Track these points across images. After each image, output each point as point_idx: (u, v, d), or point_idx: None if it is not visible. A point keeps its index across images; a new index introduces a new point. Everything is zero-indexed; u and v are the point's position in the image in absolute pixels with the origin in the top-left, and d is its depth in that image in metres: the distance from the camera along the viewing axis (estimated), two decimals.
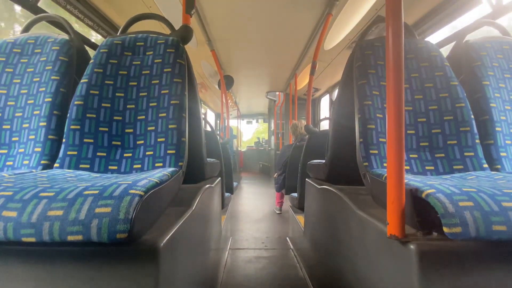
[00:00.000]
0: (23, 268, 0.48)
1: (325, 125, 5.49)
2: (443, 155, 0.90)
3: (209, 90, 5.02)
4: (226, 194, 2.04)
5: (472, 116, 0.92)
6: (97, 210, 0.46)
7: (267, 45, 2.94)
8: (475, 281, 0.50)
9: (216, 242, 1.32)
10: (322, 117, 5.27)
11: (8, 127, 0.94)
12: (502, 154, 0.93)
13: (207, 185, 1.10)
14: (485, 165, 0.86)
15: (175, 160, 0.84)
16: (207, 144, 1.61)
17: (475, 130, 0.90)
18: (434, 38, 1.94)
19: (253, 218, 2.84)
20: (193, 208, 0.81)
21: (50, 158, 0.90)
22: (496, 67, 1.03)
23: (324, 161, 1.30)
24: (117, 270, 0.48)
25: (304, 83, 4.23)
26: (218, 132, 4.63)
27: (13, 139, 0.93)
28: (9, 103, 0.96)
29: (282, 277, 1.45)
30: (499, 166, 0.91)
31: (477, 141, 0.89)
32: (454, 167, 0.88)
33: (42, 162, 0.89)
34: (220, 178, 1.51)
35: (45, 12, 1.38)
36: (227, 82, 3.95)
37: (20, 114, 0.95)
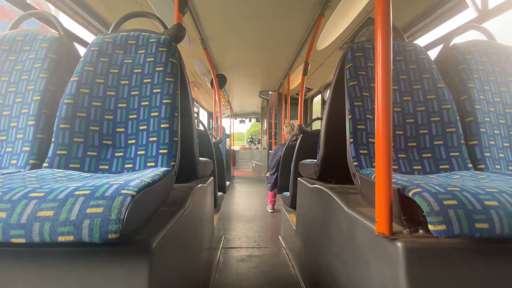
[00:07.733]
0: (13, 269, 0.47)
1: (317, 125, 5.54)
2: (430, 155, 0.93)
3: (202, 89, 4.99)
4: (219, 194, 2.04)
5: (458, 117, 0.95)
6: (89, 210, 0.45)
7: (260, 44, 2.94)
8: (459, 276, 0.52)
9: (208, 242, 1.32)
10: (314, 116, 5.32)
11: None
12: (486, 154, 0.96)
13: (200, 185, 1.10)
14: (470, 165, 0.90)
15: (167, 159, 0.84)
16: (200, 144, 1.60)
17: (461, 131, 0.93)
18: (422, 41, 1.98)
19: (245, 217, 2.84)
20: (186, 207, 0.81)
21: (39, 158, 0.88)
22: (481, 70, 1.07)
23: (315, 160, 1.32)
24: (109, 270, 0.48)
25: (296, 83, 4.25)
26: (210, 131, 4.62)
27: (0, 138, 0.91)
28: None
29: (274, 275, 1.46)
30: (483, 166, 0.95)
31: (462, 141, 0.92)
32: (441, 166, 0.90)
33: (31, 161, 0.87)
34: (212, 177, 1.51)
35: (34, 9, 1.35)
36: (220, 80, 3.92)
37: (8, 112, 0.93)
